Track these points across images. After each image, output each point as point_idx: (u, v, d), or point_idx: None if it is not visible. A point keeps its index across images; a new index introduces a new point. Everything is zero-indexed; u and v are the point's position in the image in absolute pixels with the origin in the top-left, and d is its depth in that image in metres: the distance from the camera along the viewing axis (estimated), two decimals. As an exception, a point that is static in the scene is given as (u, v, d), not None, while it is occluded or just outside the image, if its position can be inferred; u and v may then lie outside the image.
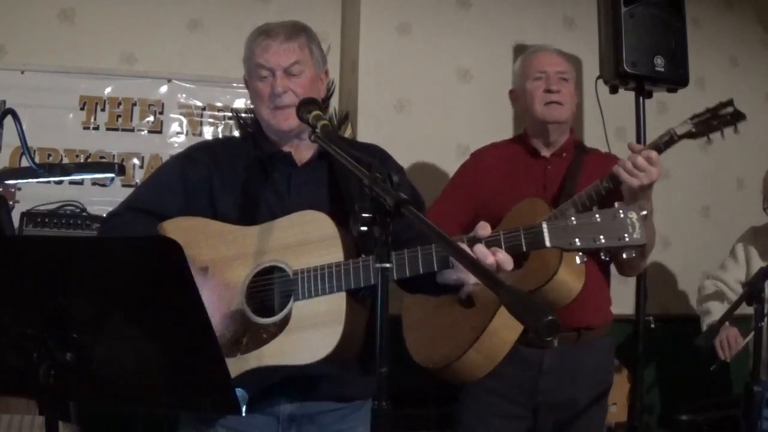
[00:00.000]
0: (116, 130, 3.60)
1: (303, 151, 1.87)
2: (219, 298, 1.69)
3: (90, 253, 1.31)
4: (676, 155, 4.03)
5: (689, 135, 2.16)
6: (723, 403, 3.54)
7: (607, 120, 3.06)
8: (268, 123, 1.85)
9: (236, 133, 3.47)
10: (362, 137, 3.44)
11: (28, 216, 2.93)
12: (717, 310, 2.97)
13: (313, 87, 1.84)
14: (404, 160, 3.17)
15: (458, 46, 3.74)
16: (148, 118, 3.64)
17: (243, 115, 3.51)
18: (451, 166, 2.85)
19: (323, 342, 1.59)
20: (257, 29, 1.87)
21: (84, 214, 3.05)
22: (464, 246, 1.51)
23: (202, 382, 1.36)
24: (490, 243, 1.54)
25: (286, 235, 1.69)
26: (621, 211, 1.51)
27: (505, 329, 2.21)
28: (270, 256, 1.69)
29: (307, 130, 1.64)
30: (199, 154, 1.90)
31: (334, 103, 3.73)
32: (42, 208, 3.03)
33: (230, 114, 3.66)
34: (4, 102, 3.40)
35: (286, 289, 1.67)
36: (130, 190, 2.01)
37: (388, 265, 1.30)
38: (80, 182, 3.41)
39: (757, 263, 2.99)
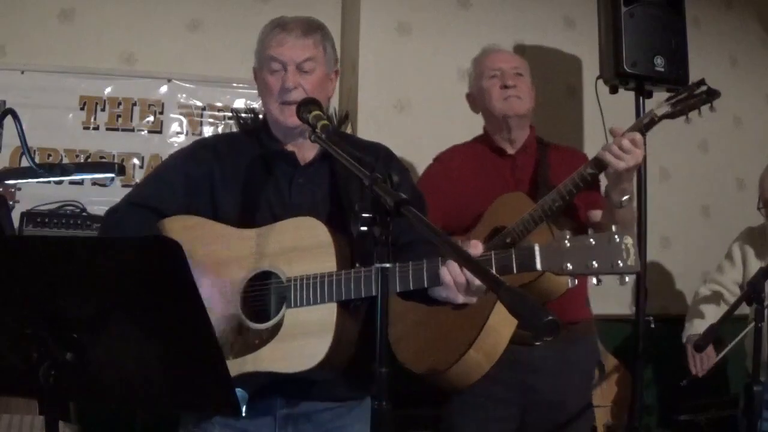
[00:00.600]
0: (116, 130, 3.60)
1: (306, 150, 1.86)
2: (215, 300, 1.68)
3: (90, 253, 1.31)
4: (676, 155, 4.05)
5: (669, 115, 2.18)
6: (722, 403, 3.54)
7: (607, 120, 3.06)
8: (275, 118, 1.84)
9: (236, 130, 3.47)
10: (362, 137, 3.43)
11: (28, 216, 2.93)
12: (710, 313, 2.98)
13: (322, 86, 1.83)
14: (404, 160, 3.17)
15: (458, 46, 3.73)
16: (148, 118, 3.64)
17: (243, 115, 3.51)
18: (451, 166, 2.84)
19: (313, 351, 1.60)
20: (273, 21, 1.85)
21: (84, 214, 3.05)
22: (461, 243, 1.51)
23: (202, 382, 1.36)
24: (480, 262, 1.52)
25: (282, 241, 1.69)
26: (616, 236, 1.47)
27: (502, 325, 2.21)
28: (265, 261, 1.69)
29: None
30: (201, 150, 1.90)
31: (334, 103, 3.73)
32: (42, 208, 3.03)
33: (230, 114, 3.66)
34: (4, 102, 3.40)
35: (280, 295, 1.67)
36: (135, 184, 2.01)
37: (388, 265, 1.30)
38: (80, 182, 3.41)
39: (754, 264, 2.99)
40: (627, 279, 1.50)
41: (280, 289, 1.68)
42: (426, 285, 1.58)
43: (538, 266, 1.51)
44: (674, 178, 4.03)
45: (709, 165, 4.11)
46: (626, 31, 3.00)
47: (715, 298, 3.06)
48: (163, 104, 3.66)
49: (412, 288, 1.58)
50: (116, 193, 3.31)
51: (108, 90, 3.60)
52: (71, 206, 3.09)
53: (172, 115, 3.67)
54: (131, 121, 3.62)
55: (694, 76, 3.17)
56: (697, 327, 2.93)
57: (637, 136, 2.12)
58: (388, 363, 1.28)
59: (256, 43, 1.88)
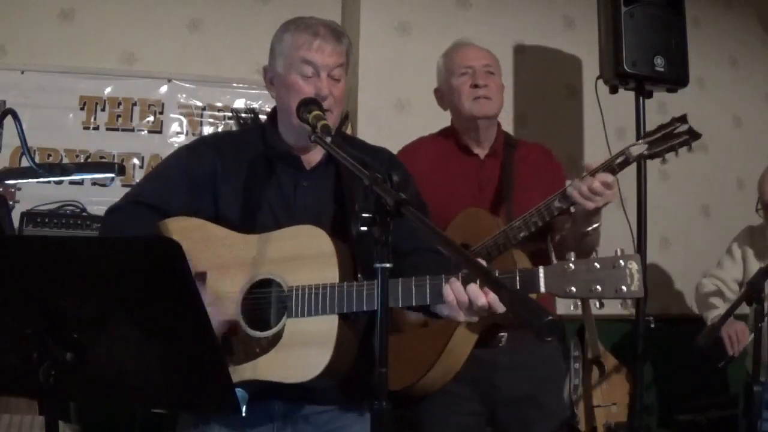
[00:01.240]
0: (116, 130, 3.60)
1: (312, 153, 1.83)
2: (215, 305, 1.67)
3: (90, 253, 1.31)
4: (676, 155, 4.04)
5: (643, 157, 2.13)
6: (722, 403, 3.54)
7: (607, 120, 3.07)
8: (300, 124, 1.71)
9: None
10: (362, 137, 3.41)
11: (28, 216, 2.93)
12: (720, 305, 2.97)
13: (344, 93, 1.81)
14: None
15: (458, 46, 3.74)
16: (148, 118, 3.64)
17: (243, 115, 3.52)
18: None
19: (313, 362, 1.59)
20: (297, 22, 1.79)
21: (84, 214, 3.05)
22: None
23: (202, 382, 1.36)
24: (466, 278, 1.52)
25: (283, 248, 1.67)
26: (621, 261, 1.46)
27: (462, 344, 2.21)
28: (267, 268, 1.68)
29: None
30: (204, 147, 1.87)
31: (334, 103, 3.73)
32: (42, 208, 3.03)
33: (230, 114, 3.66)
34: (4, 102, 3.40)
35: (280, 304, 1.66)
36: (137, 181, 1.99)
37: (388, 265, 1.30)
38: (80, 182, 3.41)
39: (753, 263, 2.99)
40: (630, 302, 1.50)
41: (280, 298, 1.66)
42: (428, 302, 1.57)
43: (542, 289, 1.50)
44: (674, 178, 4.03)
45: (709, 165, 4.12)
46: (626, 31, 3.00)
47: (719, 292, 3.06)
48: (163, 104, 3.66)
49: (414, 304, 1.58)
50: (116, 193, 3.30)
51: (108, 90, 3.60)
52: (71, 206, 3.10)
53: (172, 115, 3.67)
54: (131, 121, 3.62)
55: (694, 76, 3.19)
56: (719, 309, 2.91)
57: (609, 178, 2.06)
58: (387, 363, 1.28)
59: (276, 41, 1.81)
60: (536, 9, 3.89)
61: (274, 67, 1.81)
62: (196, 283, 1.26)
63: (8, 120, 2.06)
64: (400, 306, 1.59)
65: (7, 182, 2.78)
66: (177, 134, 3.66)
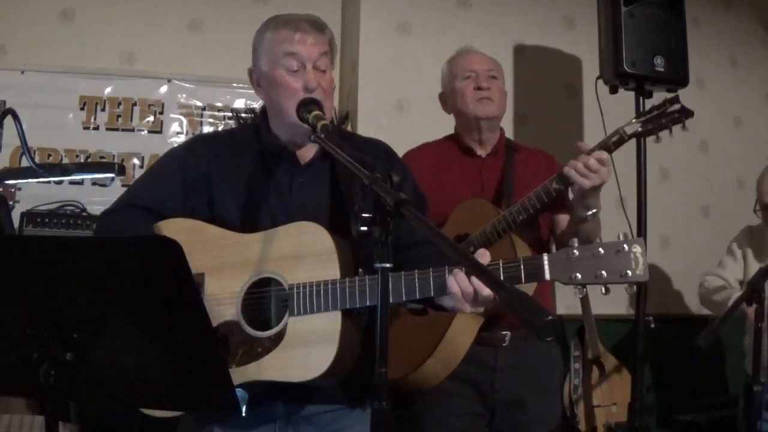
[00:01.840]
0: (116, 130, 3.60)
1: (307, 149, 1.83)
2: (214, 307, 1.66)
3: (90, 253, 1.31)
4: (676, 155, 4.05)
5: (638, 134, 2.16)
6: (722, 403, 3.54)
7: (607, 120, 3.06)
8: (293, 121, 1.71)
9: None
10: (362, 137, 3.43)
11: (28, 216, 2.93)
12: (731, 295, 2.95)
13: (332, 85, 1.79)
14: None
15: (458, 46, 3.73)
16: (148, 118, 3.64)
17: (243, 115, 3.52)
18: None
19: (317, 360, 1.58)
20: (277, 20, 1.78)
21: (84, 214, 3.05)
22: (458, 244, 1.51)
23: (202, 382, 1.36)
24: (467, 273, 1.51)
25: (283, 246, 1.66)
26: (625, 245, 1.46)
27: (461, 334, 2.22)
28: (266, 266, 1.66)
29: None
30: (198, 147, 1.85)
31: (334, 103, 3.73)
32: (42, 208, 3.03)
33: (230, 114, 3.66)
34: (4, 102, 3.40)
35: (281, 302, 1.65)
36: (132, 183, 1.98)
37: (388, 264, 1.30)
38: (80, 182, 3.41)
39: (753, 263, 2.99)
40: (635, 288, 1.50)
41: (281, 296, 1.65)
42: (432, 294, 1.57)
43: (547, 276, 1.50)
44: (674, 178, 4.03)
45: (709, 165, 4.11)
46: (626, 31, 3.00)
47: (724, 288, 3.05)
48: (163, 104, 3.66)
49: (418, 297, 1.57)
50: (116, 193, 3.28)
51: (108, 90, 3.60)
52: (71, 206, 3.09)
53: (172, 115, 3.67)
54: (131, 121, 3.62)
55: (694, 76, 3.19)
56: (732, 298, 2.89)
57: (604, 155, 2.10)
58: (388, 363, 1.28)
59: (257, 41, 1.80)
60: (536, 9, 3.89)
61: (259, 67, 1.79)
62: (196, 283, 1.25)
63: (8, 120, 2.06)
64: (404, 300, 1.58)
65: (7, 182, 2.78)
66: (177, 134, 3.67)
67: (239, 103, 3.68)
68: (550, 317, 1.06)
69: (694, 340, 2.52)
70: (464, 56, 2.55)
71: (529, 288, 2.18)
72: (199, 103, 3.70)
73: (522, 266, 1.51)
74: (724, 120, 4.19)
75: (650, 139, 2.31)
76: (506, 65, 3.63)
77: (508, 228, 2.21)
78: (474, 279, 1.49)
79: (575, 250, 1.48)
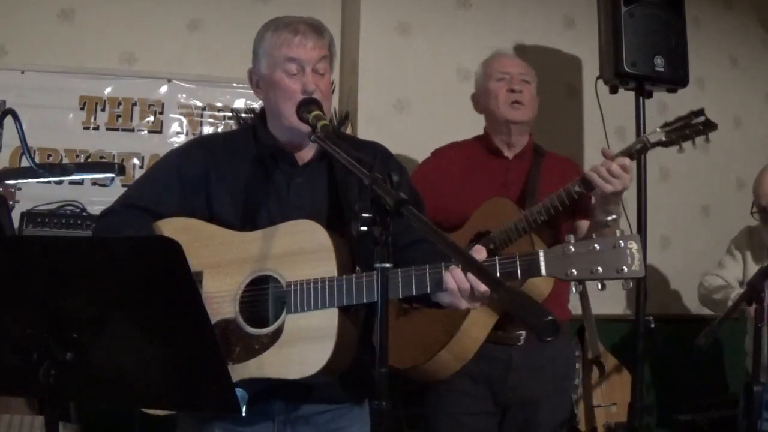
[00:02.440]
0: (116, 130, 3.60)
1: (304, 150, 1.83)
2: (212, 305, 1.66)
3: (90, 253, 1.31)
4: (676, 155, 4.04)
5: (661, 143, 2.19)
6: (722, 403, 3.54)
7: (607, 120, 3.07)
8: (291, 123, 1.73)
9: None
10: (362, 137, 3.43)
11: (28, 216, 2.93)
12: (730, 295, 2.95)
13: (331, 88, 1.82)
14: (404, 160, 3.17)
15: (458, 46, 3.74)
16: (148, 118, 3.64)
17: (243, 115, 3.52)
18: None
19: (315, 357, 1.59)
20: (277, 22, 1.79)
21: (84, 214, 3.05)
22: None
23: (202, 382, 1.36)
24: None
25: (280, 244, 1.67)
26: (621, 241, 1.46)
27: (475, 328, 2.25)
28: (264, 264, 1.67)
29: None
30: (196, 149, 1.86)
31: (334, 103, 3.73)
32: (42, 208, 3.03)
33: (230, 114, 3.66)
34: (4, 102, 3.40)
35: (279, 299, 1.65)
36: (129, 186, 1.98)
37: (388, 265, 1.30)
38: (80, 182, 3.41)
39: (751, 264, 2.99)
40: (631, 284, 1.50)
41: (278, 294, 1.66)
42: (429, 290, 1.57)
43: (543, 272, 1.50)
44: (674, 178, 4.03)
45: (709, 165, 4.11)
46: (626, 31, 3.00)
47: (724, 287, 3.05)
48: (163, 104, 3.66)
49: (414, 294, 1.58)
50: (116, 193, 3.28)
51: (108, 90, 3.60)
52: (71, 206, 3.09)
53: (172, 115, 3.67)
54: (131, 121, 3.62)
55: (694, 76, 3.19)
56: (733, 297, 2.89)
57: (627, 161, 2.14)
58: (386, 363, 1.28)
59: (257, 43, 1.81)
60: (536, 9, 3.89)
61: (258, 69, 1.81)
62: (195, 283, 1.25)
63: (8, 120, 2.06)
64: (400, 296, 1.58)
65: (7, 182, 2.78)
66: (177, 134, 3.66)
67: (239, 103, 3.68)
68: (549, 317, 1.06)
69: (694, 340, 2.52)
70: (499, 58, 2.59)
71: (545, 290, 2.20)
72: (199, 103, 3.70)
73: (518, 262, 1.52)
74: (724, 120, 4.16)
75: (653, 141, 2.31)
76: (506, 65, 3.63)
77: (529, 227, 2.24)
78: (470, 275, 1.49)
79: (571, 246, 1.48)
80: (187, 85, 3.68)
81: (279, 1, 3.75)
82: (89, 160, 3.49)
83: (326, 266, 1.62)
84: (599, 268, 1.46)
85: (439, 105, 3.68)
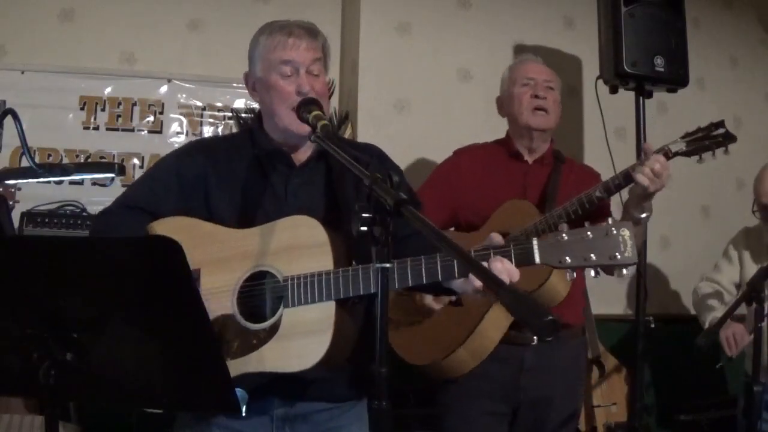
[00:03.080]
0: (116, 130, 3.60)
1: (302, 150, 1.85)
2: (209, 301, 1.66)
3: (90, 254, 1.31)
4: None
5: (682, 153, 2.25)
6: (722, 403, 3.54)
7: (607, 120, 3.07)
8: (285, 125, 1.77)
9: (235, 131, 3.47)
10: (362, 137, 3.44)
11: (28, 216, 2.93)
12: (718, 306, 2.97)
13: (327, 88, 1.83)
14: (404, 160, 3.17)
15: (458, 46, 3.74)
16: (148, 118, 3.64)
17: (243, 115, 3.52)
18: (451, 166, 2.84)
19: (312, 350, 1.59)
20: (272, 25, 1.82)
21: (84, 214, 3.05)
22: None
23: (201, 382, 1.36)
24: (479, 257, 1.52)
25: (277, 240, 1.68)
26: (613, 228, 1.47)
27: (492, 329, 2.28)
28: (261, 260, 1.68)
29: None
30: (194, 151, 1.88)
31: (334, 103, 3.73)
32: (42, 208, 3.03)
33: (230, 114, 3.66)
34: (4, 102, 3.40)
35: (276, 295, 1.66)
36: (122, 192, 1.99)
37: (388, 265, 1.30)
38: (80, 182, 3.41)
39: (750, 265, 2.98)
40: (625, 272, 1.51)
41: (276, 289, 1.67)
42: (441, 278, 1.57)
43: (537, 260, 1.51)
44: (674, 179, 4.00)
45: (709, 165, 4.09)
46: (626, 31, 3.00)
47: (716, 295, 3.06)
48: (163, 104, 3.66)
49: (425, 282, 1.57)
50: (116, 193, 3.27)
51: (108, 90, 3.60)
52: (71, 206, 3.09)
53: (172, 115, 3.67)
54: (131, 121, 3.62)
55: (694, 76, 3.19)
56: (718, 310, 2.91)
57: (665, 161, 2.20)
58: (388, 363, 1.28)
59: (252, 46, 1.84)
60: (536, 9, 3.89)
61: (254, 73, 1.83)
62: (195, 283, 1.25)
63: (8, 120, 2.06)
64: (410, 284, 1.58)
65: (7, 182, 2.77)
66: (177, 134, 3.67)
67: (239, 103, 3.68)
68: (549, 317, 1.05)
69: (694, 340, 2.53)
70: (525, 64, 2.61)
71: (562, 292, 2.23)
72: (199, 103, 3.70)
73: (512, 250, 1.52)
74: (724, 120, 4.19)
75: (653, 137, 2.34)
76: (506, 65, 3.63)
77: (548, 230, 2.26)
78: (496, 261, 1.50)
79: (564, 234, 1.49)
80: (187, 85, 3.68)
81: (279, 1, 3.75)
82: (89, 160, 3.49)
83: (323, 261, 1.63)
84: (592, 255, 1.47)
85: (439, 105, 3.68)
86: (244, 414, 1.59)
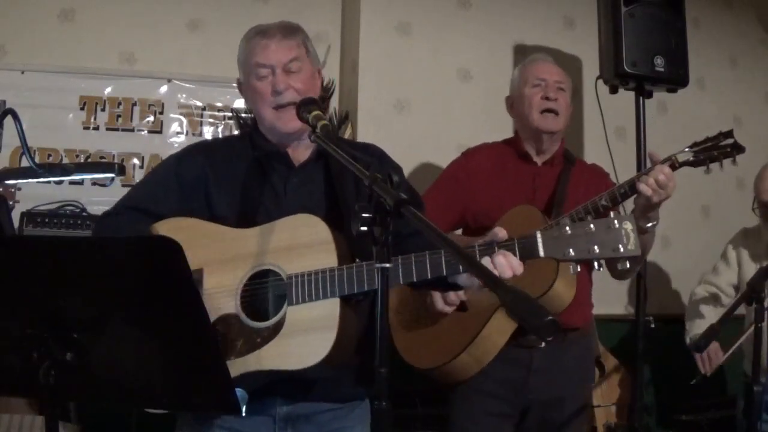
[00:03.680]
0: (116, 130, 3.60)
1: (301, 150, 1.86)
2: (212, 300, 1.67)
3: (90, 254, 1.31)
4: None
5: (689, 163, 2.23)
6: (722, 403, 3.54)
7: (607, 120, 3.07)
8: (270, 125, 1.83)
9: (236, 133, 3.47)
10: (362, 137, 3.44)
11: (28, 216, 2.93)
12: (709, 314, 2.97)
13: (311, 84, 1.84)
14: (404, 160, 3.16)
15: (458, 46, 3.74)
16: (148, 118, 3.64)
17: (243, 115, 3.52)
18: (451, 166, 2.84)
19: (316, 347, 1.59)
20: (251, 30, 1.87)
21: (84, 214, 3.05)
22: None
23: (202, 382, 1.36)
24: (483, 251, 1.54)
25: (280, 239, 1.68)
26: (616, 222, 1.49)
27: (496, 334, 2.28)
28: (264, 259, 1.68)
29: (307, 131, 1.64)
30: (194, 153, 1.90)
31: (334, 103, 3.73)
32: (42, 208, 3.03)
33: (230, 114, 3.66)
34: (4, 102, 3.40)
35: (280, 293, 1.67)
36: (129, 189, 2.01)
37: (388, 265, 1.30)
38: (80, 182, 3.41)
39: (749, 265, 2.98)
40: (628, 264, 1.52)
41: (279, 287, 1.67)
42: (445, 273, 1.58)
43: (541, 253, 1.52)
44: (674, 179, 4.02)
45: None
46: (626, 31, 3.00)
47: (712, 299, 3.06)
48: (163, 104, 3.66)
49: (429, 277, 1.58)
50: (116, 193, 3.30)
51: (108, 90, 3.60)
52: (71, 206, 3.09)
53: (172, 115, 3.67)
54: (131, 121, 3.62)
55: (694, 76, 3.18)
56: (698, 327, 2.93)
57: (670, 171, 2.18)
58: (389, 363, 1.28)
59: (238, 53, 1.88)
60: (536, 9, 3.88)
61: (241, 78, 1.90)
62: (195, 283, 1.25)
63: (8, 120, 2.06)
64: (401, 283, 1.59)
65: (7, 182, 2.78)
66: (177, 134, 3.67)
67: (239, 103, 3.67)
68: (549, 317, 1.05)
69: (694, 340, 2.53)
70: (537, 64, 2.59)
71: (566, 299, 2.23)
72: (199, 103, 3.70)
73: (516, 244, 1.53)
74: (724, 120, 4.18)
75: (653, 137, 2.33)
76: (506, 65, 3.64)
77: None
78: (496, 258, 1.51)
79: (567, 228, 1.51)
80: (187, 85, 3.68)
81: (279, 1, 3.75)
82: (89, 160, 3.49)
83: (327, 258, 1.63)
84: (596, 248, 1.49)
85: (439, 105, 3.68)
86: (244, 414, 1.59)
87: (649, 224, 2.24)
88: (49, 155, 3.49)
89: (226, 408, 1.44)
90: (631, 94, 3.13)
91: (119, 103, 3.61)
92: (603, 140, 3.01)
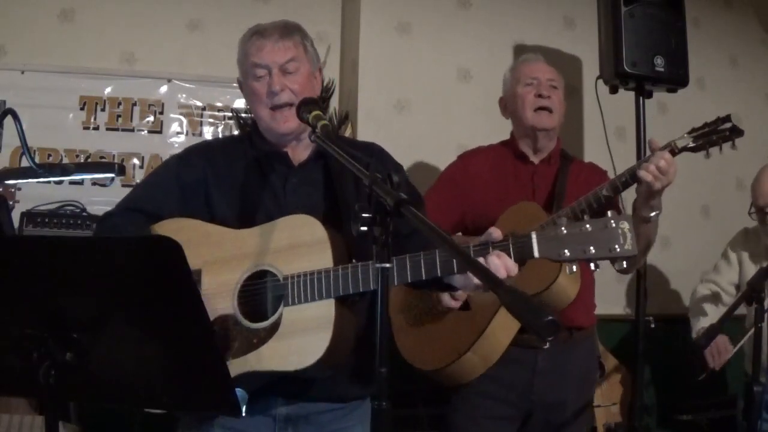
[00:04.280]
0: (116, 130, 3.60)
1: (300, 150, 1.86)
2: (210, 301, 1.67)
3: (90, 253, 1.31)
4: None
5: (689, 149, 2.22)
6: (722, 403, 3.54)
7: (607, 120, 3.07)
8: (267, 125, 1.83)
9: (236, 133, 3.47)
10: (362, 137, 3.43)
11: (28, 216, 2.93)
12: (712, 312, 2.97)
13: (309, 84, 1.84)
14: (404, 160, 3.15)
15: (458, 46, 3.74)
16: (148, 118, 3.64)
17: (243, 115, 3.52)
18: (451, 166, 2.84)
19: (312, 348, 1.59)
20: (249, 30, 1.86)
21: (84, 214, 3.05)
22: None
23: (201, 382, 1.36)
24: (478, 252, 1.52)
25: (277, 239, 1.69)
26: (612, 221, 1.47)
27: (501, 331, 2.26)
28: (261, 259, 1.69)
29: (305, 132, 1.64)
30: (194, 155, 1.90)
31: (334, 103, 3.73)
32: (42, 208, 3.03)
33: (230, 114, 3.66)
34: (4, 102, 3.40)
35: (276, 293, 1.67)
36: (129, 190, 2.01)
37: (388, 265, 1.30)
38: (80, 182, 3.41)
39: (749, 266, 2.98)
40: (625, 264, 1.50)
41: (276, 287, 1.67)
42: (440, 273, 1.56)
43: (536, 254, 1.50)
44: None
45: (709, 165, 4.09)
46: (626, 31, 3.00)
47: (714, 298, 3.05)
48: (163, 104, 3.66)
49: (424, 277, 1.57)
50: (116, 193, 3.31)
51: (108, 90, 3.60)
52: (71, 206, 3.09)
53: (172, 115, 3.67)
54: (131, 121, 3.62)
55: (694, 76, 3.18)
56: (703, 324, 2.92)
57: (671, 157, 2.16)
58: (389, 363, 1.28)
59: (238, 54, 1.88)
60: (536, 9, 3.89)
61: (240, 79, 1.90)
62: (195, 283, 1.25)
63: (8, 120, 2.06)
64: (396, 284, 1.58)
65: (7, 182, 2.78)
66: (177, 134, 3.67)
67: (239, 103, 3.68)
68: (549, 317, 1.05)
69: (693, 338, 2.53)
70: (528, 63, 2.59)
71: (571, 294, 2.22)
72: (199, 103, 3.70)
73: (511, 244, 1.51)
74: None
75: (654, 137, 2.32)
76: (506, 65, 3.62)
77: None
78: (491, 258, 1.49)
79: (563, 228, 1.48)
80: (187, 85, 3.68)
81: (279, 1, 3.75)
82: (89, 160, 3.49)
83: (323, 259, 1.64)
84: (591, 248, 1.46)
85: (439, 105, 3.68)
86: (244, 414, 1.59)
87: (652, 213, 2.22)
88: (49, 155, 3.49)
89: (226, 408, 1.44)
90: (631, 94, 3.13)
91: (119, 103, 3.61)
92: (603, 140, 3.01)
